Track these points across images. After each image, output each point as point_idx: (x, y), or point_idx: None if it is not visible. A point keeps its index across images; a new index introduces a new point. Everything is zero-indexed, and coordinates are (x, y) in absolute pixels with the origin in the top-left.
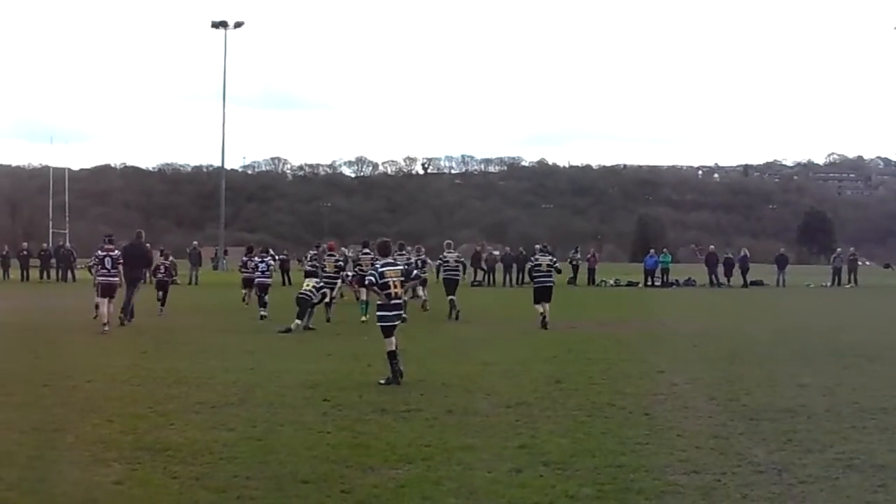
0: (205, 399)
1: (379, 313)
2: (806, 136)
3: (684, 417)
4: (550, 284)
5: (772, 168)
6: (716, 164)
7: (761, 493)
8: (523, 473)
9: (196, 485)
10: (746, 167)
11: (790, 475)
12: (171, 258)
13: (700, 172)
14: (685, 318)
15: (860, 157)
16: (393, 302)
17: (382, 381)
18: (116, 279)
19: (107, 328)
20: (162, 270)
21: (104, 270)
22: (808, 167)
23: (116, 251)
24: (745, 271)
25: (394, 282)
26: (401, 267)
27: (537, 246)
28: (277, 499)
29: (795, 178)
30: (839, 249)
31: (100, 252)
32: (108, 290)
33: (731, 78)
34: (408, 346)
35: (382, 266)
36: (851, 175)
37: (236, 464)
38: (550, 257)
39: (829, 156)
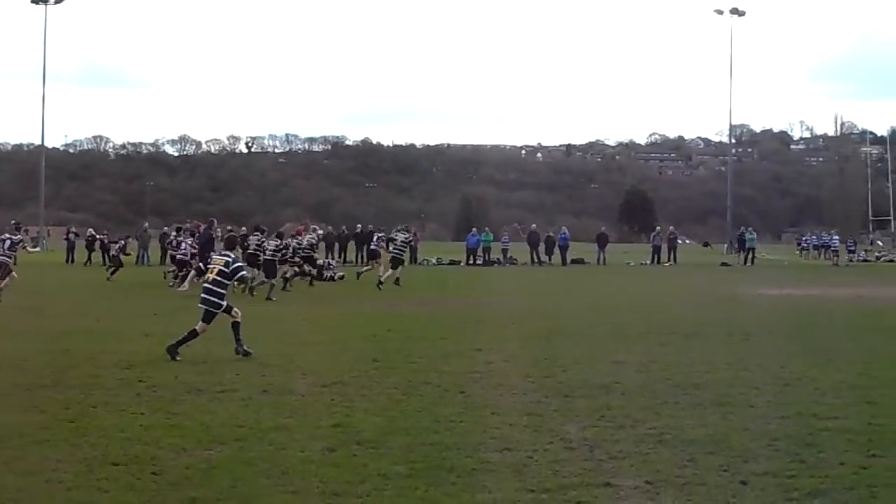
0: (18, 381)
1: None
2: (627, 117)
3: (499, 395)
4: (401, 255)
5: (594, 148)
6: (539, 143)
7: (572, 470)
8: (336, 452)
9: (4, 469)
10: (569, 147)
11: (601, 451)
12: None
13: (523, 152)
14: (506, 297)
15: (681, 138)
16: (205, 286)
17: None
18: (10, 260)
19: None
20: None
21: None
22: (630, 147)
23: (19, 236)
24: (564, 249)
25: (211, 268)
26: (227, 259)
27: (399, 226)
28: (87, 481)
29: (617, 157)
30: (658, 228)
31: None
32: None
33: (554, 58)
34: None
35: (217, 254)
36: (672, 155)
37: (47, 447)
38: (406, 235)
39: (650, 136)
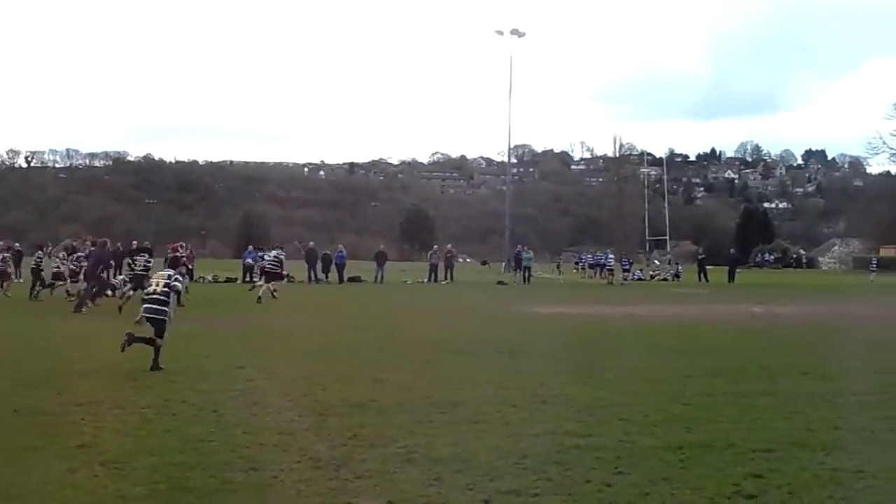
0: None
1: None
2: (410, 136)
3: (253, 414)
4: (275, 270)
5: (377, 166)
6: (322, 161)
7: (316, 489)
8: (78, 474)
9: None
10: (352, 165)
11: (348, 470)
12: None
13: (306, 169)
14: (277, 315)
15: (463, 157)
16: (148, 297)
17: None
18: None
19: None
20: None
21: None
22: (413, 166)
23: None
24: (341, 267)
25: (156, 282)
26: (170, 273)
27: (274, 244)
28: None
29: (400, 176)
30: (436, 246)
31: None
32: None
33: (338, 76)
34: None
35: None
36: (454, 174)
37: None
38: (277, 252)
39: (433, 155)
